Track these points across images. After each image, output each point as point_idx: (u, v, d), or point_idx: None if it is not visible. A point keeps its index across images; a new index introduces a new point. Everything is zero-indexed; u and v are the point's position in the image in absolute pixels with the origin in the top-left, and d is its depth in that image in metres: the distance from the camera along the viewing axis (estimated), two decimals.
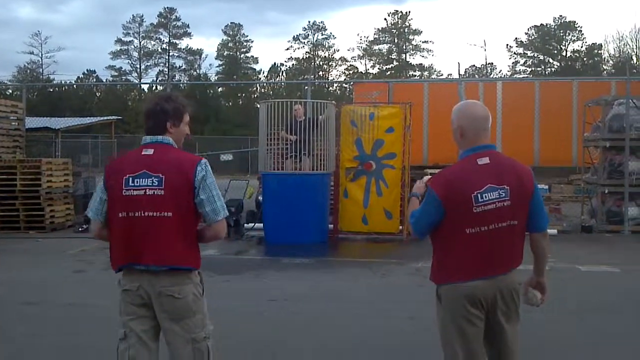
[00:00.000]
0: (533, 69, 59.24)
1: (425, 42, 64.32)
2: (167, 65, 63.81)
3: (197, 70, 63.98)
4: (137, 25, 62.84)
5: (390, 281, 8.16)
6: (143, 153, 3.12)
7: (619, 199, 12.38)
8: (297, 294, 7.24)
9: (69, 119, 20.49)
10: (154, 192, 3.02)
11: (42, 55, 60.74)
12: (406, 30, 64.49)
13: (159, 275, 3.06)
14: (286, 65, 64.57)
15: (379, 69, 63.80)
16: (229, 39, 64.36)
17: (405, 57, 64.78)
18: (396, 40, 64.61)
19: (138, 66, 63.48)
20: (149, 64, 63.99)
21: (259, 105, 14.91)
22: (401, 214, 11.43)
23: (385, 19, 65.52)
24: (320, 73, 63.52)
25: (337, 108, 11.98)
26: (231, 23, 64.33)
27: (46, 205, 12.90)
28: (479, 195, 2.92)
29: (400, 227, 11.47)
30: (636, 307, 6.65)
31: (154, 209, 3.02)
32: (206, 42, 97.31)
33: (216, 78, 61.19)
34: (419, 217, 3.06)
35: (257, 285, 7.57)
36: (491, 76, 53.94)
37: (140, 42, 63.30)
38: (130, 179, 3.05)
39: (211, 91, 57.07)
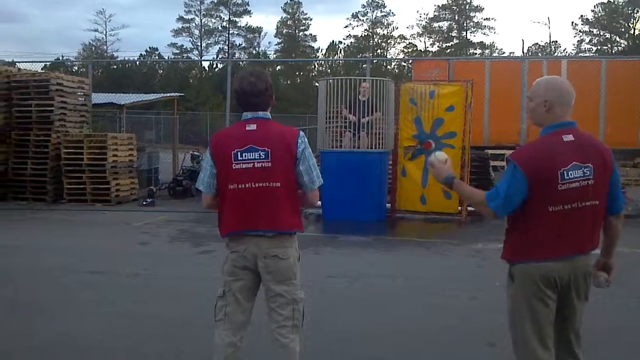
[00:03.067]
0: (599, 47, 57.18)
1: (486, 19, 63.11)
2: (227, 43, 64.43)
3: (257, 49, 64.40)
4: (199, 3, 63.58)
5: (449, 261, 8.12)
6: (247, 128, 3.34)
7: None
8: (355, 272, 7.28)
9: (133, 95, 20.95)
10: (262, 165, 3.28)
11: (106, 32, 62.35)
12: (467, 7, 63.20)
13: (266, 239, 3.30)
14: (344, 43, 64.30)
15: (438, 46, 62.87)
16: (288, 16, 64.42)
17: (466, 35, 63.58)
18: (457, 17, 63.42)
19: (199, 44, 64.36)
20: (209, 41, 64.78)
21: (317, 83, 14.95)
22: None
23: None
24: (379, 51, 62.99)
25: (396, 86, 11.89)
26: (291, 0, 64.35)
27: (111, 179, 13.30)
28: (564, 172, 2.85)
29: (459, 207, 11.36)
30: None
31: (264, 180, 3.28)
32: (265, 19, 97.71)
33: (275, 56, 61.46)
34: (508, 195, 2.91)
35: (316, 261, 7.66)
36: (555, 55, 52.38)
37: (201, 20, 64.10)
38: (239, 153, 3.28)
39: (270, 69, 57.39)
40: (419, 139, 11.42)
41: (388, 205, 11.73)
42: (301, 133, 3.39)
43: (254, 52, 63.32)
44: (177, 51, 63.64)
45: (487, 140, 14.90)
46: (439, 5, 63.78)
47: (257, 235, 3.30)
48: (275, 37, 64.70)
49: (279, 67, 58.54)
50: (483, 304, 5.85)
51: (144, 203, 13.31)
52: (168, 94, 21.20)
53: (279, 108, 44.96)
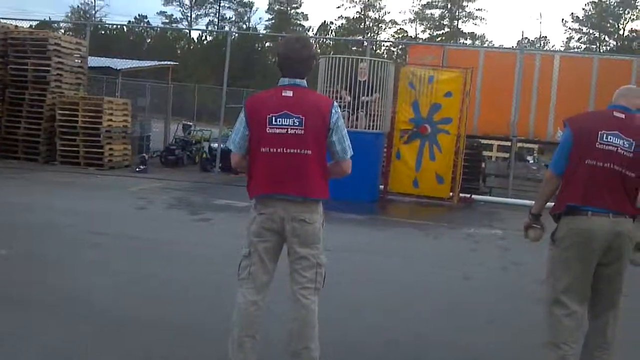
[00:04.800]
0: (587, 45, 57.75)
1: (479, 9, 63.29)
2: (217, 15, 63.89)
3: (247, 23, 63.96)
4: None
5: (442, 243, 8.30)
6: (283, 94, 3.40)
7: None
8: (351, 247, 7.37)
9: (128, 60, 20.74)
10: (295, 132, 3.34)
11: None
12: None
13: (294, 203, 3.40)
14: (336, 24, 64.07)
15: (429, 34, 62.98)
16: None
17: (457, 24, 63.71)
18: (449, 6, 63.48)
19: (189, 14, 63.73)
20: (199, 13, 64.21)
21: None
22: (452, 180, 11.49)
23: None
24: (369, 34, 62.88)
25: (395, 69, 11.96)
26: None
27: (105, 143, 13.28)
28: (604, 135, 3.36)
29: (451, 193, 11.54)
30: None
31: (296, 147, 3.35)
32: None
33: (264, 32, 61.11)
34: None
35: None
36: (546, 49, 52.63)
37: None
38: (273, 118, 3.35)
39: (259, 46, 57.04)
40: (415, 122, 11.54)
41: (381, 187, 11.88)
42: (335, 103, 3.46)
43: (244, 26, 62.87)
44: (166, 20, 63.02)
45: (476, 129, 15.02)
46: None
47: (286, 199, 3.40)
48: (266, 12, 64.40)
49: (268, 45, 58.13)
50: (477, 284, 6.05)
51: (137, 170, 13.31)
52: (163, 62, 21.04)
53: (266, 86, 44.82)
